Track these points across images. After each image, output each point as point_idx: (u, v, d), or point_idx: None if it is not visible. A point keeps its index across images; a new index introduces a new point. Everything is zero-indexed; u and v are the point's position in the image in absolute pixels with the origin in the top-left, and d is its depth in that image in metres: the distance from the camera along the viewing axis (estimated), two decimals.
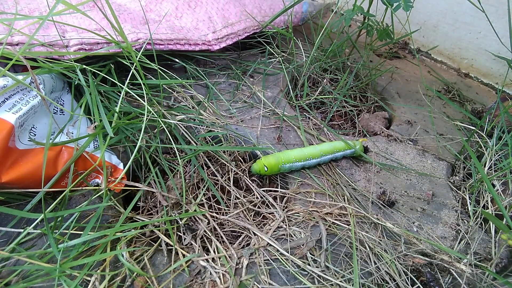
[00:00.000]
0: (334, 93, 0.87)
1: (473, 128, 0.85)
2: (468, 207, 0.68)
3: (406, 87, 1.03)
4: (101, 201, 0.54)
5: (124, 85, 0.57)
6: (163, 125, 0.60)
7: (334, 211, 0.61)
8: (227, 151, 0.68)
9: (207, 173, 0.64)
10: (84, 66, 0.58)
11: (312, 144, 0.74)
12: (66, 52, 0.57)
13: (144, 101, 0.58)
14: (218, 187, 0.63)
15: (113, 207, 0.55)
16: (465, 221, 0.66)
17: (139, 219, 0.55)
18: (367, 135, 0.84)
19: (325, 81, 0.88)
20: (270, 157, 0.65)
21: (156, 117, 0.60)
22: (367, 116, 0.92)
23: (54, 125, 0.55)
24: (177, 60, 0.73)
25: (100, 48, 0.61)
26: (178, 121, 0.66)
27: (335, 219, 0.60)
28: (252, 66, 0.91)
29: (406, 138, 0.82)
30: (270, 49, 0.94)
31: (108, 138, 0.53)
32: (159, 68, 0.63)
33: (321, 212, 0.61)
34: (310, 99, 0.84)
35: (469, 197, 0.68)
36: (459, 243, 0.61)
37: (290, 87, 0.86)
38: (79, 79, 0.54)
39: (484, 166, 0.74)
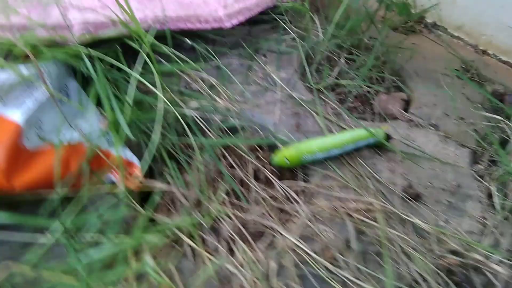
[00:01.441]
0: (352, 73, 0.82)
1: (496, 117, 0.81)
2: (493, 199, 0.66)
3: (424, 65, 0.98)
4: (118, 200, 0.50)
5: (133, 71, 0.52)
6: (178, 116, 0.55)
7: (360, 207, 0.58)
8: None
9: (224, 164, 0.60)
10: (91, 51, 0.52)
11: (332, 132, 0.70)
12: (73, 36, 0.50)
13: (156, 89, 0.53)
14: (237, 181, 0.59)
15: (130, 205, 0.52)
16: (491, 213, 0.64)
17: (159, 219, 0.52)
18: (386, 119, 0.80)
19: (342, 60, 0.82)
20: (291, 149, 0.61)
21: (169, 105, 0.55)
22: (385, 97, 0.88)
23: (62, 118, 0.50)
24: (187, 40, 0.67)
25: (107, 30, 0.55)
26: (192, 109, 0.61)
27: (362, 215, 0.57)
28: (264, 44, 0.85)
29: (427, 123, 0.79)
30: (284, 25, 0.88)
31: (123, 135, 0.48)
32: (171, 51, 0.58)
33: (346, 207, 0.58)
34: (328, 82, 0.79)
35: (496, 189, 0.66)
36: (487, 237, 0.59)
37: (306, 67, 0.80)
38: (87, 68, 0.49)
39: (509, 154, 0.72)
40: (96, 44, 0.56)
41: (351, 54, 0.91)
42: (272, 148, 0.66)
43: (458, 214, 0.63)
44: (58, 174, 0.44)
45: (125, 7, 0.50)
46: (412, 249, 0.53)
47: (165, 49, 0.58)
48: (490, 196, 0.68)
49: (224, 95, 0.70)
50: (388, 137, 0.70)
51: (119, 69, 0.61)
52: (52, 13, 0.53)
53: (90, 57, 0.53)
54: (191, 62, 0.68)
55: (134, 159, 0.54)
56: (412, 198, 0.62)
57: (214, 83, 0.71)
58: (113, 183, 0.52)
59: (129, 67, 0.56)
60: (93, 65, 0.53)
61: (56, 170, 0.43)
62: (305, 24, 0.89)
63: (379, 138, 0.67)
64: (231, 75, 0.74)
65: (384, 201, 0.60)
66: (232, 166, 0.61)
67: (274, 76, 0.78)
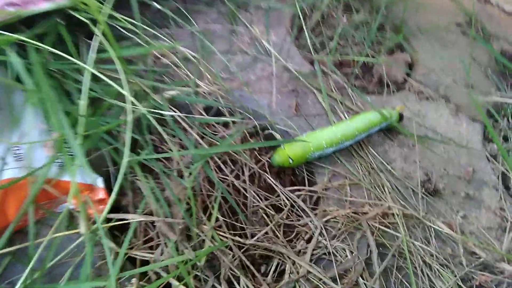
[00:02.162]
0: (355, 36, 0.69)
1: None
2: (510, 184, 0.61)
3: (426, 19, 0.85)
4: (79, 235, 0.38)
5: (86, 61, 0.36)
6: (154, 122, 0.41)
7: (376, 212, 0.50)
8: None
9: (212, 167, 0.48)
10: (20, 35, 0.35)
11: (337, 114, 0.59)
12: None
13: (123, 89, 0.38)
14: (230, 190, 0.48)
15: (98, 242, 0.40)
16: (508, 202, 0.58)
17: (138, 257, 0.41)
18: (394, 90, 0.69)
19: (344, 18, 0.68)
20: (296, 147, 0.49)
21: (140, 107, 0.40)
22: (387, 60, 0.76)
23: None
24: (154, 3, 0.50)
25: (41, 3, 0.37)
26: (168, 98, 0.47)
27: (380, 223, 0.49)
28: None
29: (437, 94, 0.69)
30: None
31: (77, 160, 0.34)
32: (135, 24, 0.41)
33: (361, 214, 0.50)
34: (329, 50, 0.65)
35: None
36: (509, 233, 0.54)
37: (306, 31, 0.65)
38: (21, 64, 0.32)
39: None
40: (29, 21, 0.38)
41: (349, 7, 0.77)
42: (269, 138, 0.54)
43: (476, 206, 0.57)
44: None
45: None
46: (439, 265, 0.47)
47: (127, 23, 0.42)
48: (505, 180, 0.62)
49: (205, 72, 0.55)
50: (401, 117, 0.60)
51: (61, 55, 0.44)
52: None
53: (21, 44, 0.36)
54: (162, 34, 0.52)
55: (95, 180, 0.41)
56: (430, 194, 0.55)
57: (190, 56, 0.55)
58: (71, 213, 0.39)
59: (79, 51, 0.40)
60: (26, 56, 0.36)
61: None
62: None
63: (393, 123, 0.57)
64: (210, 44, 0.58)
65: (402, 201, 0.52)
66: (220, 169, 0.49)
67: (264, 42, 0.63)
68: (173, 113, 0.44)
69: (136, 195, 0.45)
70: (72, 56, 0.40)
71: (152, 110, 0.42)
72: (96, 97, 0.42)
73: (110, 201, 0.37)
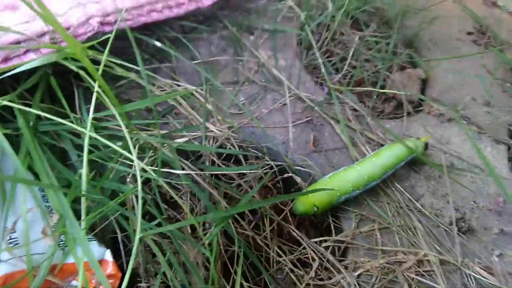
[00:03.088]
0: (367, 55, 0.64)
1: None
2: None
3: (437, 29, 0.81)
4: None
5: (86, 125, 0.31)
6: (167, 188, 0.36)
7: (411, 260, 0.45)
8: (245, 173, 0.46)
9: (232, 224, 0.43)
10: (5, 103, 0.29)
11: (358, 147, 0.55)
12: None
13: (132, 155, 0.32)
14: (250, 242, 0.43)
15: None
16: None
17: None
18: (412, 112, 0.65)
19: (356, 38, 0.63)
20: (322, 194, 0.45)
21: (149, 172, 0.35)
22: (399, 77, 0.72)
23: None
24: (155, 42, 0.44)
25: (27, 57, 0.31)
26: (179, 144, 0.42)
27: (416, 272, 0.45)
28: (252, 19, 0.62)
29: (457, 114, 0.65)
30: None
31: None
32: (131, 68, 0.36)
33: (395, 264, 0.45)
34: (345, 76, 0.61)
35: None
36: None
37: (317, 53, 0.60)
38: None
39: None
40: (14, 78, 0.32)
41: (356, 21, 0.72)
42: (289, 182, 0.50)
43: (510, 242, 0.53)
44: None
45: (42, 11, 0.26)
46: None
47: (125, 70, 0.36)
48: None
49: (213, 110, 0.49)
50: (426, 147, 0.55)
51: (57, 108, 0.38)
52: None
53: (4, 108, 0.30)
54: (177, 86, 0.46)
55: (103, 254, 0.35)
56: (463, 233, 0.51)
57: (197, 97, 0.50)
58: None
59: (72, 107, 0.34)
60: (10, 119, 0.31)
61: None
62: None
63: (419, 154, 0.53)
64: (214, 81, 0.52)
65: (436, 245, 0.48)
66: (237, 221, 0.44)
67: (272, 70, 0.57)
68: (187, 172, 0.38)
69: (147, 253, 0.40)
70: (65, 112, 0.34)
71: (164, 170, 0.37)
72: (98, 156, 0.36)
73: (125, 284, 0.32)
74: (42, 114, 0.30)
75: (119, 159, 0.37)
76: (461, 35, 0.82)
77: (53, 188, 0.29)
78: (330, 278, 0.43)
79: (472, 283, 0.46)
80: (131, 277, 0.36)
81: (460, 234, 0.51)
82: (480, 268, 0.46)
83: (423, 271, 0.45)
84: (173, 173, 0.40)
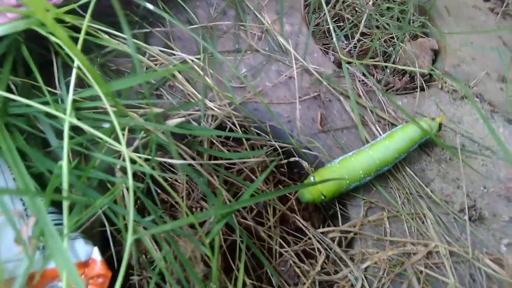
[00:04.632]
0: (381, 21, 0.58)
1: None
2: None
3: None
4: None
5: (66, 108, 0.26)
6: (163, 183, 0.31)
7: (420, 251, 0.43)
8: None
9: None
10: None
11: (368, 126, 0.50)
12: None
13: (120, 143, 0.27)
14: (251, 231, 0.40)
15: None
16: None
17: None
18: (425, 89, 0.60)
19: (370, 3, 0.57)
20: (330, 184, 0.41)
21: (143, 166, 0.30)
22: (411, 47, 0.66)
23: None
24: (146, 3, 0.37)
25: None
26: (174, 127, 0.37)
27: (425, 265, 0.43)
28: None
29: (472, 92, 0.61)
30: None
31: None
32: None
33: (404, 255, 0.43)
34: (359, 46, 0.55)
35: None
36: None
37: (329, 19, 0.54)
38: None
39: None
40: None
41: None
42: (295, 167, 0.46)
43: None
44: None
45: None
46: None
47: (107, 34, 0.30)
48: None
49: (212, 83, 0.44)
50: (439, 128, 0.52)
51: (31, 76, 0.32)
52: None
53: None
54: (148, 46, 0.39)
55: (90, 252, 0.31)
56: (473, 221, 0.49)
57: (194, 67, 0.44)
58: None
59: (51, 79, 0.28)
60: None
61: None
62: None
63: (433, 136, 0.49)
64: (212, 49, 0.46)
65: (446, 235, 0.46)
66: (238, 210, 0.41)
67: (278, 37, 0.51)
68: (184, 162, 0.34)
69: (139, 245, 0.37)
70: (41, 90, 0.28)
71: (158, 159, 0.32)
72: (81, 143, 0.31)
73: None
74: (10, 96, 0.24)
75: (106, 144, 0.32)
76: (478, 2, 0.76)
77: (24, 193, 0.24)
78: (336, 272, 0.40)
79: (482, 276, 0.44)
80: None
81: (470, 223, 0.48)
82: (491, 260, 0.45)
83: (432, 263, 0.43)
84: (167, 157, 0.36)
